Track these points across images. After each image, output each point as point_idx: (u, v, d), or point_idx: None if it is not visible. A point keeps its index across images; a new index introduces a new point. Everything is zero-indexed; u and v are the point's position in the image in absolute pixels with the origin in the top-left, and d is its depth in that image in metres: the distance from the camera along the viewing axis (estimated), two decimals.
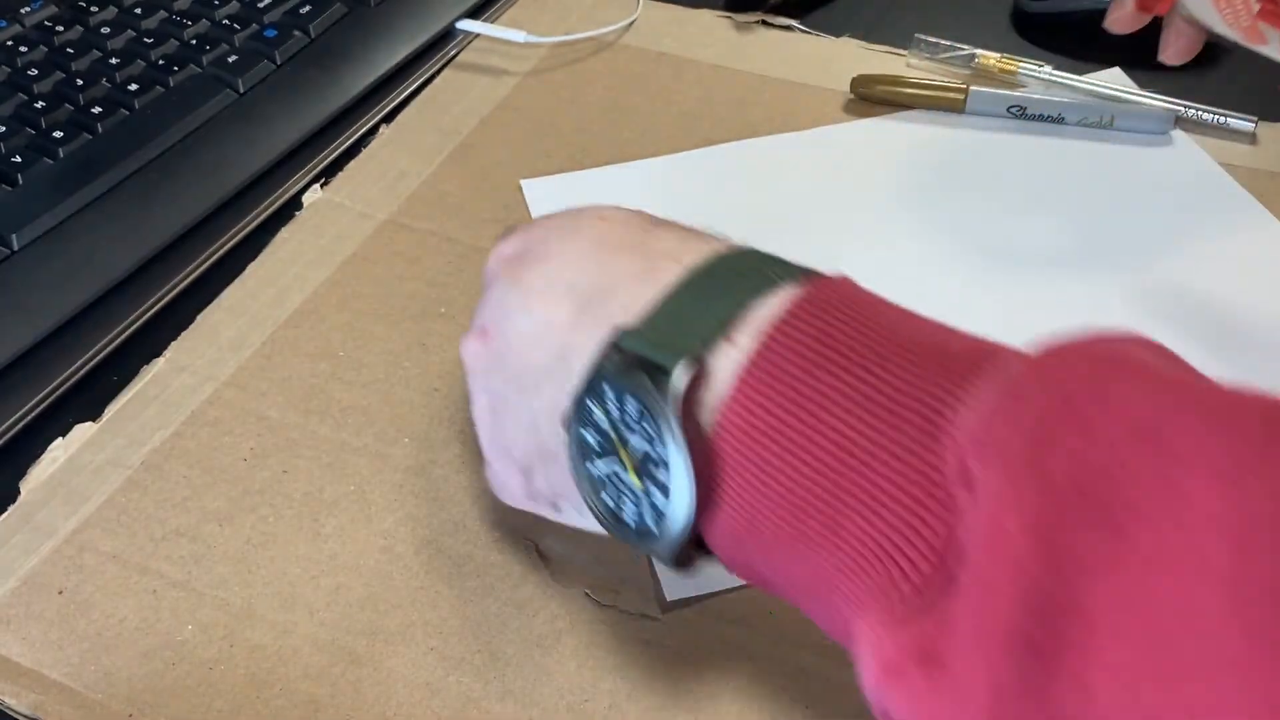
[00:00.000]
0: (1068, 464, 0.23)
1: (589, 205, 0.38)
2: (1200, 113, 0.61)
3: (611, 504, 0.32)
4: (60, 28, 0.64)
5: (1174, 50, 0.51)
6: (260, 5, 0.66)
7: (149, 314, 0.52)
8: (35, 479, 0.45)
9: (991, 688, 0.23)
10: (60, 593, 0.41)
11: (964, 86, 0.62)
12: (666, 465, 0.29)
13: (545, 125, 0.63)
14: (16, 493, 0.45)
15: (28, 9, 0.65)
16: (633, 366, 0.30)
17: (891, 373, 0.27)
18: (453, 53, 0.68)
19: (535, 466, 0.36)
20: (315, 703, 0.38)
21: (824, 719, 0.38)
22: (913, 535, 0.25)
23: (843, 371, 0.27)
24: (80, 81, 0.60)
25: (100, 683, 0.39)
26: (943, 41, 0.66)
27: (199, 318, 0.52)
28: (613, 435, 0.31)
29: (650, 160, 0.60)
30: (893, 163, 0.60)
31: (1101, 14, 0.67)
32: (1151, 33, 0.66)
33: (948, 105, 0.62)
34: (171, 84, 0.61)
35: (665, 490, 0.29)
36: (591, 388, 0.31)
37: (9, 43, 0.63)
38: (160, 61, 0.62)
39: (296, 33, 0.65)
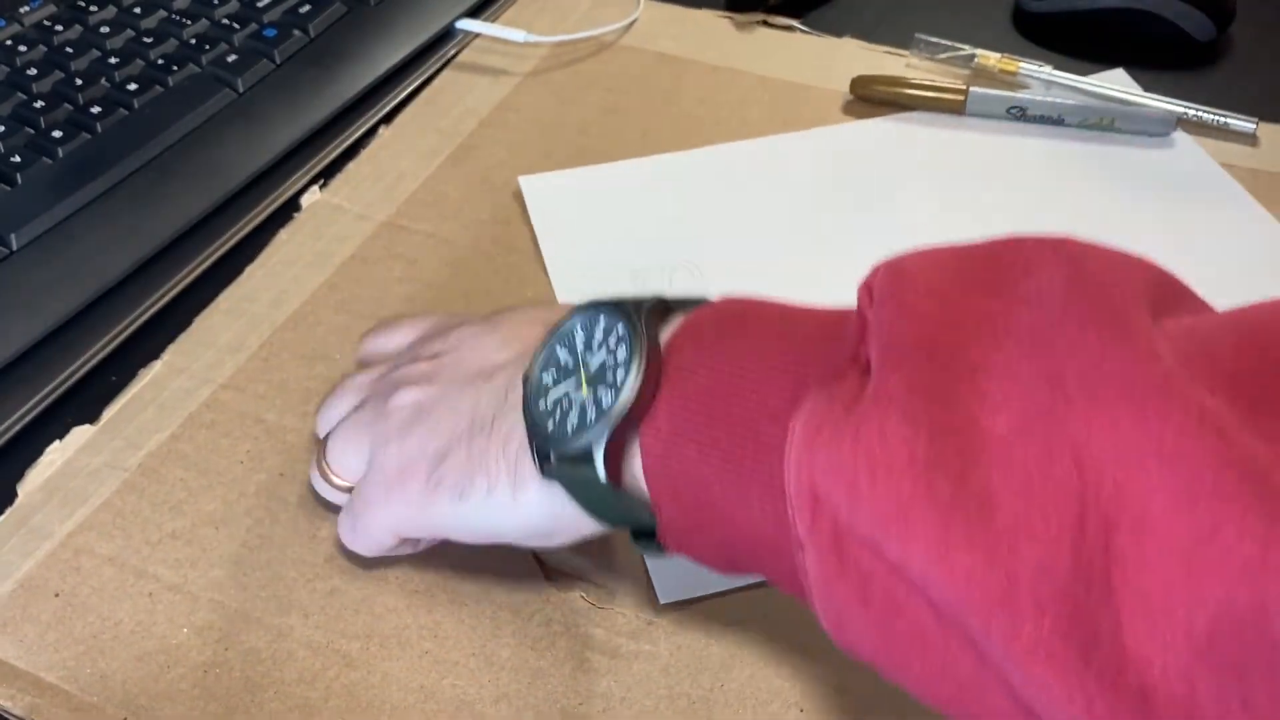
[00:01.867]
0: (957, 261, 0.31)
1: None
2: (1201, 114, 0.61)
3: (554, 424, 0.34)
4: (59, 27, 0.64)
5: None
6: (260, 4, 0.66)
7: (148, 315, 0.52)
8: (32, 481, 0.45)
9: (906, 390, 0.28)
10: (56, 595, 0.42)
11: (964, 88, 0.62)
12: (625, 365, 0.33)
13: (545, 126, 0.63)
14: (14, 495, 0.45)
15: (27, 8, 0.65)
16: (605, 306, 0.35)
17: (802, 314, 0.34)
18: (452, 52, 0.68)
19: (457, 446, 0.37)
20: (309, 706, 0.38)
21: None
22: (832, 351, 0.31)
23: (769, 304, 0.34)
24: (79, 81, 0.60)
25: (96, 685, 0.39)
26: (943, 41, 0.66)
27: (196, 320, 0.52)
28: (574, 362, 0.35)
29: (649, 159, 0.60)
30: (892, 164, 0.60)
31: (1102, 14, 0.67)
32: (1154, 33, 0.66)
33: (947, 106, 0.62)
34: (171, 83, 0.61)
35: (614, 387, 0.33)
36: (563, 331, 0.36)
37: (8, 42, 0.63)
38: (159, 61, 0.62)
39: (296, 32, 0.65)
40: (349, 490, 0.41)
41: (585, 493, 0.34)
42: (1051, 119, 0.61)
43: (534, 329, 0.38)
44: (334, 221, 0.57)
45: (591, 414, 0.33)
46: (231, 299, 0.53)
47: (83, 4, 0.66)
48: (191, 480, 0.45)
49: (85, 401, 0.48)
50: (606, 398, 0.33)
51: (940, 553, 0.26)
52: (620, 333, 0.34)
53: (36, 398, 0.48)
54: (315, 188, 0.59)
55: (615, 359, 0.33)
